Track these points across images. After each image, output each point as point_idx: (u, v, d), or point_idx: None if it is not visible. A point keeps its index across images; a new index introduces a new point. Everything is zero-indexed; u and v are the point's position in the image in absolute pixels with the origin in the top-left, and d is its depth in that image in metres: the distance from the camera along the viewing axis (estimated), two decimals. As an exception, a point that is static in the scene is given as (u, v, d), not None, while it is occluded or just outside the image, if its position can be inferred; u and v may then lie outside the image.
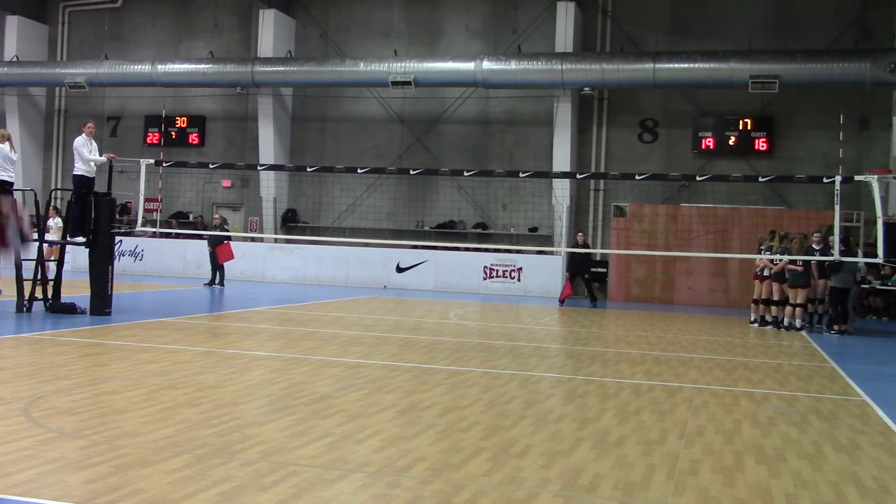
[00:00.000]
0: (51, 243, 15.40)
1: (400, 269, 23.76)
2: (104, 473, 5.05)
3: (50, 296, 13.60)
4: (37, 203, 14.71)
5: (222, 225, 22.90)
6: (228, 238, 22.24)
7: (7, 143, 13.34)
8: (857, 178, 13.78)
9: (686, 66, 21.76)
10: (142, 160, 15.31)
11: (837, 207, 12.89)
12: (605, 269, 22.78)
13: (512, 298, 21.73)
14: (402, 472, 5.36)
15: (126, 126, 28.21)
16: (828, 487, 5.48)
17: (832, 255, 14.09)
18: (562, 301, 20.21)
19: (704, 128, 23.43)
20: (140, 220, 15.54)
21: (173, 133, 27.30)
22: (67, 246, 14.62)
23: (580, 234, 21.39)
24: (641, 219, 22.27)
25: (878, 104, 22.19)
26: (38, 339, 10.99)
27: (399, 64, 23.50)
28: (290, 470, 5.29)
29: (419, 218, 25.38)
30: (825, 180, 13.82)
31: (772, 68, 20.91)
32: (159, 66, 25.40)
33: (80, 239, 13.96)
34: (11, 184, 13.46)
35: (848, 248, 15.40)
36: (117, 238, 21.85)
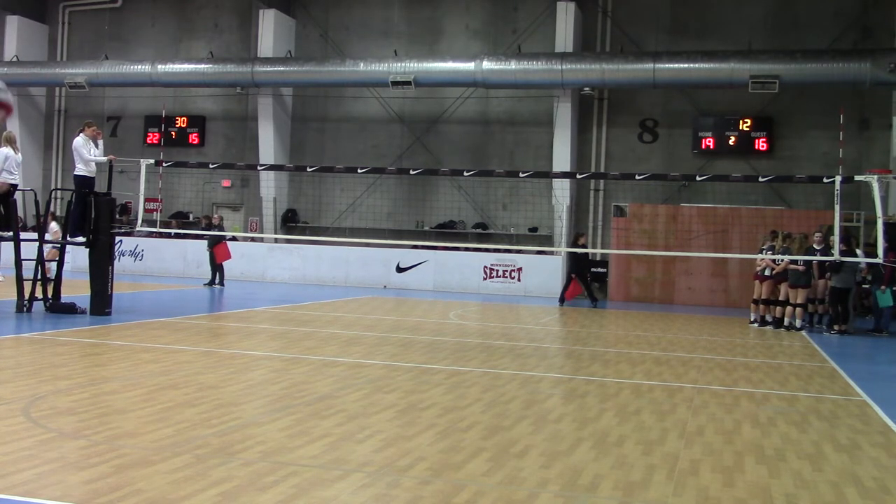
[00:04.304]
0: (52, 244, 15.41)
1: (400, 269, 23.75)
2: (104, 473, 5.05)
3: (50, 296, 13.59)
4: (37, 203, 14.71)
5: (220, 225, 22.94)
6: (233, 238, 22.23)
7: (11, 145, 13.36)
8: (857, 178, 13.77)
9: (686, 66, 21.76)
10: (142, 160, 15.31)
11: (837, 207, 12.88)
12: (605, 269, 22.78)
13: (512, 298, 21.73)
14: (402, 472, 5.36)
15: (126, 126, 28.22)
16: (828, 487, 5.48)
17: (832, 255, 14.09)
18: (563, 300, 20.13)
19: (704, 128, 23.43)
20: (140, 220, 15.53)
21: (173, 133, 27.31)
22: (67, 246, 14.61)
23: (583, 236, 21.39)
24: (641, 219, 22.26)
25: (878, 104, 22.19)
26: (38, 339, 10.99)
27: (399, 64, 23.50)
28: (290, 470, 5.29)
29: (419, 218, 25.38)
30: (825, 180, 13.81)
31: (772, 68, 20.91)
32: (159, 66, 25.41)
33: (80, 239, 13.96)
34: (16, 186, 13.49)
35: (849, 248, 15.40)
36: (117, 238, 21.85)
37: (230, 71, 25.01)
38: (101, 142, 14.39)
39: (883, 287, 15.53)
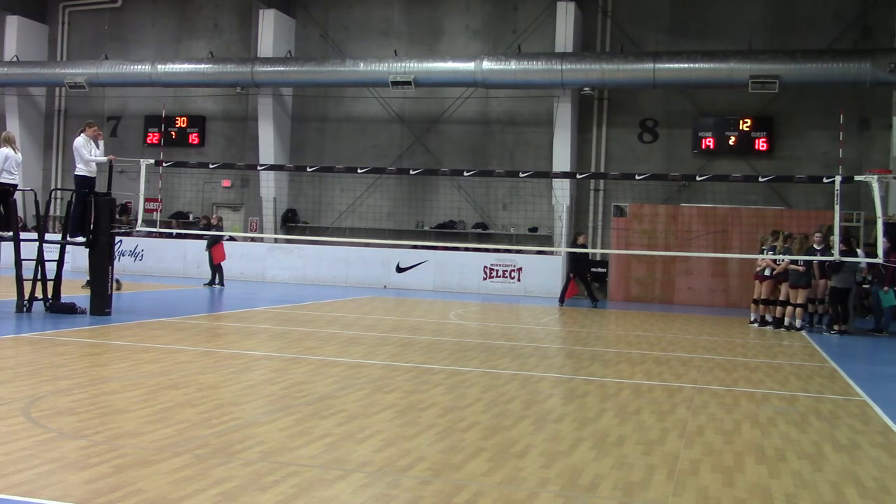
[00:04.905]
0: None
1: (400, 269, 23.75)
2: (104, 473, 5.05)
3: (50, 296, 13.59)
4: (37, 203, 14.71)
5: (219, 225, 22.96)
6: (231, 238, 22.18)
7: (10, 145, 13.36)
8: (857, 178, 13.76)
9: (686, 66, 21.75)
10: (142, 160, 15.30)
11: (837, 207, 12.88)
12: (605, 269, 22.78)
13: (512, 298, 21.73)
14: (402, 472, 5.36)
15: (126, 126, 28.22)
16: (828, 487, 5.48)
17: (833, 255, 14.08)
18: (563, 300, 20.13)
19: (704, 128, 23.43)
20: (140, 220, 15.53)
21: (173, 133, 27.30)
22: (67, 246, 14.60)
23: (582, 235, 21.38)
24: (641, 219, 22.26)
25: (878, 104, 22.18)
26: (38, 339, 10.99)
27: (399, 64, 23.49)
28: (290, 470, 5.30)
29: (419, 218, 25.38)
30: (825, 180, 13.81)
31: (772, 68, 20.90)
32: (159, 66, 25.40)
33: (80, 239, 13.96)
34: (15, 186, 13.49)
35: (849, 248, 15.40)
36: (117, 238, 21.84)
37: (230, 71, 25.00)
38: (101, 142, 14.39)
39: (886, 288, 15.53)
